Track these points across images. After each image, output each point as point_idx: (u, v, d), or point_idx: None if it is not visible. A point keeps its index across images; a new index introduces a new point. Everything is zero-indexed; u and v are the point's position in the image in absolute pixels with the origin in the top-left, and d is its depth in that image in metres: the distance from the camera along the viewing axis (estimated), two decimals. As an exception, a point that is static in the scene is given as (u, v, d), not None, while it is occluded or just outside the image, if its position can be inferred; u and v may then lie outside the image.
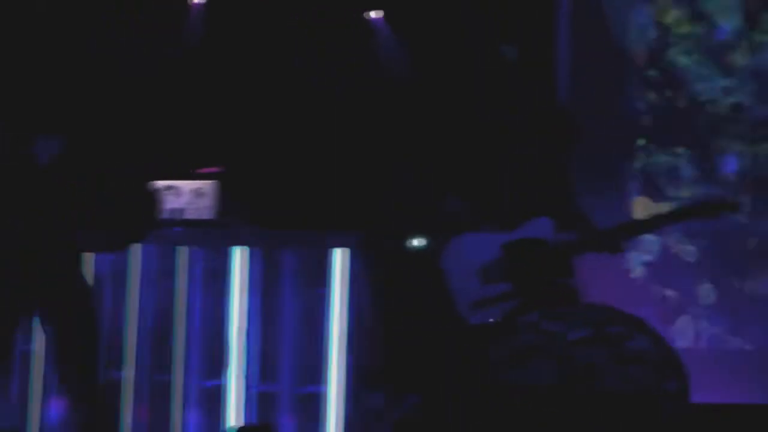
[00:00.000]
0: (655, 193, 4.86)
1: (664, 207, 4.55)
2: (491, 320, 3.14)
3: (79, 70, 3.45)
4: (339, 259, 4.12)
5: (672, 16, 4.95)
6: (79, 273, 3.28)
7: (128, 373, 4.03)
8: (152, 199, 3.45)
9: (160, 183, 3.89)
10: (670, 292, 4.80)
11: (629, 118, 4.93)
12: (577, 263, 3.22)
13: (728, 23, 4.91)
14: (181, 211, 4.28)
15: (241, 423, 4.02)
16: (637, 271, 4.81)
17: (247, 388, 4.11)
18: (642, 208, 4.82)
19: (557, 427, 2.28)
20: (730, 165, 4.88)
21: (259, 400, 4.12)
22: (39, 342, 4.11)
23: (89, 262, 3.45)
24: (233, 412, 4.07)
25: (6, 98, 3.32)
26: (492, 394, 2.42)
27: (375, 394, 4.13)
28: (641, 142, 4.92)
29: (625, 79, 4.91)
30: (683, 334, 4.78)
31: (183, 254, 4.12)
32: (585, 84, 4.86)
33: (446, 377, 3.20)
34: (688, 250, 4.78)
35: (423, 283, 4.20)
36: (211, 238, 4.21)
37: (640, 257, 4.78)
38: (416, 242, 4.35)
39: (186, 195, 4.31)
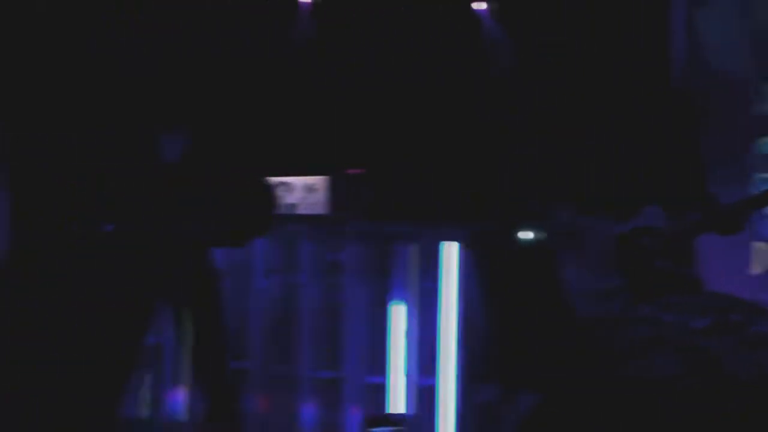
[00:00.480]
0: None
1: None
2: (608, 313, 3.09)
3: (199, 69, 3.58)
4: (450, 252, 4.15)
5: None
6: (206, 267, 3.42)
7: (250, 365, 4.17)
8: (269, 195, 3.56)
9: (274, 179, 4.01)
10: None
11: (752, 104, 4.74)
12: (697, 252, 3.13)
13: None
14: (294, 206, 4.40)
15: (356, 414, 4.10)
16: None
17: (359, 379, 4.19)
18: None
19: (683, 418, 2.24)
20: None
21: (370, 392, 4.19)
22: (169, 334, 4.32)
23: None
24: (348, 404, 4.16)
25: (132, 99, 3.48)
26: (614, 389, 2.39)
27: (486, 388, 4.14)
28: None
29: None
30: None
31: (299, 248, 4.25)
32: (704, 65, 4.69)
33: (565, 374, 3.17)
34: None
35: (534, 276, 4.18)
36: (325, 232, 4.32)
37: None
38: (525, 235, 4.32)
39: (298, 191, 4.43)
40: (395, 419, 3.95)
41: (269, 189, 3.58)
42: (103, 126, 3.54)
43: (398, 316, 4.17)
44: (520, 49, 4.74)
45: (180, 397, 4.34)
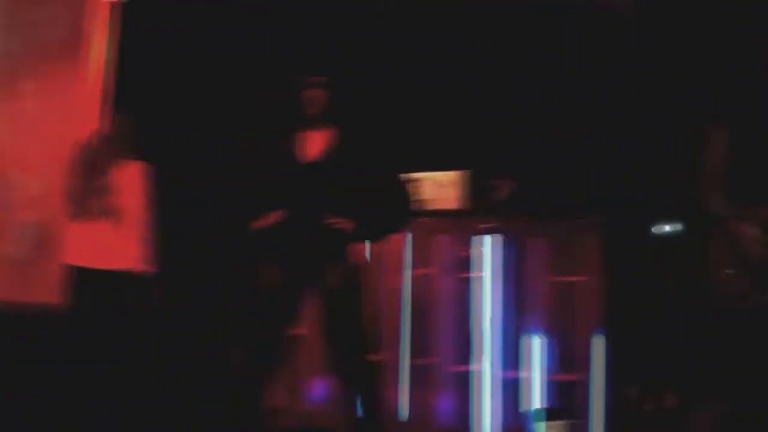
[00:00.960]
0: None
1: None
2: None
3: (341, 69, 3.69)
4: (589, 244, 4.09)
5: None
6: (347, 261, 3.49)
7: (388, 356, 4.23)
8: (407, 191, 3.61)
9: (411, 175, 4.06)
10: None
11: None
12: None
13: None
14: (429, 201, 4.44)
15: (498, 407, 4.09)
16: None
17: (495, 373, 4.18)
18: None
19: None
20: None
21: (512, 387, 4.18)
22: (308, 325, 4.44)
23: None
24: (484, 397, 4.16)
25: (283, 101, 3.60)
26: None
27: (632, 385, 4.05)
28: None
29: None
30: None
31: (433, 243, 4.29)
32: None
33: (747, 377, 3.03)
34: None
35: (677, 270, 4.06)
36: (458, 227, 4.34)
37: None
38: (669, 228, 4.20)
39: (433, 186, 4.47)
40: (567, 413, 3.92)
41: (406, 185, 3.62)
42: (256, 129, 3.71)
43: (533, 312, 4.15)
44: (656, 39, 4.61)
45: (321, 388, 4.45)
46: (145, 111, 4.18)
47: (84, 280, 3.61)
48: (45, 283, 4.45)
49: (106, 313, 3.60)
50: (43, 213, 4.73)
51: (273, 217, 3.42)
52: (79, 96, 4.76)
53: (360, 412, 3.50)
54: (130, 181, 3.70)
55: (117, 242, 3.63)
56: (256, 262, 3.50)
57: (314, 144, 3.50)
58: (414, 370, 4.29)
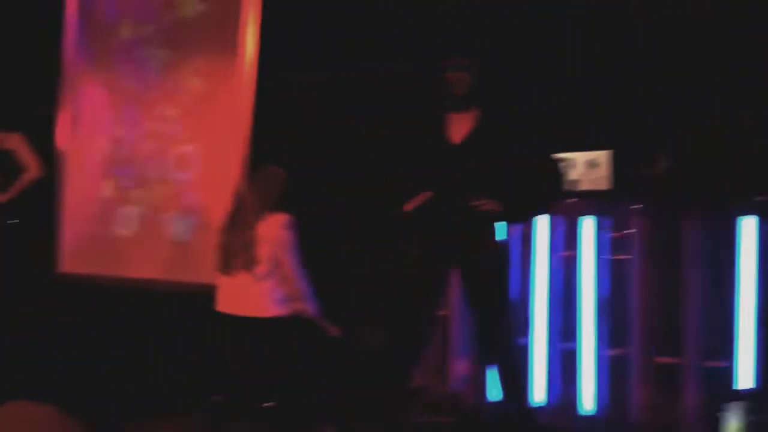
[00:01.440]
0: None
1: None
2: None
3: (485, 49, 3.68)
4: (746, 228, 3.88)
5: None
6: (493, 243, 3.49)
7: (535, 340, 4.20)
8: (557, 171, 3.56)
9: (558, 155, 3.98)
10: None
11: None
12: None
13: None
14: (577, 182, 4.35)
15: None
16: None
17: (650, 358, 4.05)
18: None
19: None
20: None
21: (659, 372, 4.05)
22: (452, 307, 4.48)
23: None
24: (637, 383, 4.05)
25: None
26: None
27: None
28: None
29: None
30: None
31: (581, 224, 4.20)
32: None
33: None
34: None
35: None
36: (608, 208, 4.22)
37: None
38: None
39: (581, 166, 4.37)
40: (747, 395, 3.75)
41: (555, 165, 3.57)
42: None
43: (692, 293, 3.99)
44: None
45: (466, 370, 4.48)
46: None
47: (235, 324, 3.77)
48: (204, 264, 4.74)
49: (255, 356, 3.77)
50: (204, 197, 5.01)
51: (420, 199, 3.47)
52: (237, 86, 4.98)
53: (502, 395, 3.50)
54: (275, 231, 3.78)
55: (265, 291, 3.76)
56: (403, 244, 3.56)
57: (459, 126, 3.51)
58: (564, 354, 4.23)
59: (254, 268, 3.72)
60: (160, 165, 5.19)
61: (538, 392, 4.16)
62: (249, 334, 3.72)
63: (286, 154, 4.83)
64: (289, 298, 3.76)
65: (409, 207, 3.51)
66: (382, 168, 3.80)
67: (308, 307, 3.80)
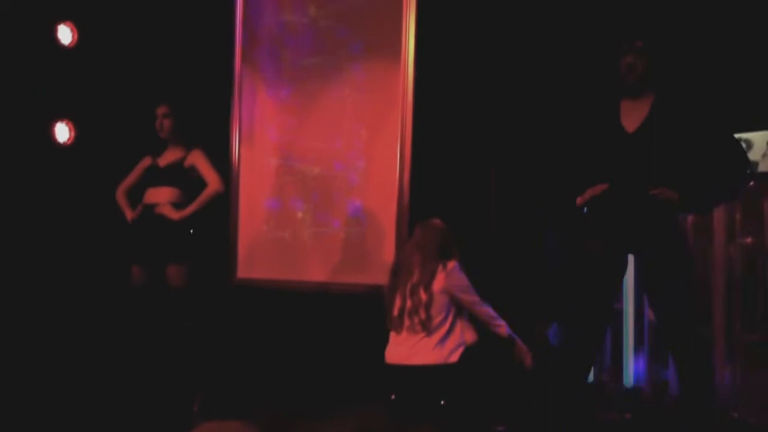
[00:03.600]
0: None
1: None
2: None
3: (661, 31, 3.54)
4: None
5: None
6: (674, 233, 3.36)
7: (716, 331, 4.02)
8: (740, 156, 3.37)
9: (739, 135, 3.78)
10: None
11: None
12: None
13: None
14: (756, 163, 4.11)
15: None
16: None
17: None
18: None
19: None
20: None
21: None
22: (630, 301, 4.36)
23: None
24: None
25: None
26: None
27: None
28: None
29: None
30: None
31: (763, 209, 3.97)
32: None
33: None
34: None
35: None
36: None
37: None
38: None
39: (760, 147, 4.13)
40: None
41: (739, 149, 3.39)
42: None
43: None
44: None
45: (641, 364, 4.35)
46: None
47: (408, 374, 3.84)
48: (375, 265, 4.86)
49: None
50: (368, 200, 5.14)
51: (597, 190, 3.39)
52: (398, 88, 5.06)
53: (686, 390, 3.34)
54: (444, 284, 3.83)
55: (432, 344, 3.80)
56: (580, 236, 3.50)
57: (636, 113, 3.40)
58: (743, 345, 4.01)
59: (431, 326, 3.79)
60: (326, 172, 5.35)
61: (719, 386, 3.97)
62: (427, 381, 3.78)
63: (449, 151, 4.86)
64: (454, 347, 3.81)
65: (581, 200, 3.44)
66: (553, 162, 3.74)
67: (502, 330, 3.86)
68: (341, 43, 5.34)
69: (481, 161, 4.77)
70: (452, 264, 3.85)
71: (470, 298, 3.84)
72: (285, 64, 5.55)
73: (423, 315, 3.79)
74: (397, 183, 4.98)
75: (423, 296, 3.80)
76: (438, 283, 3.82)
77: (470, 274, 3.91)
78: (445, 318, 3.81)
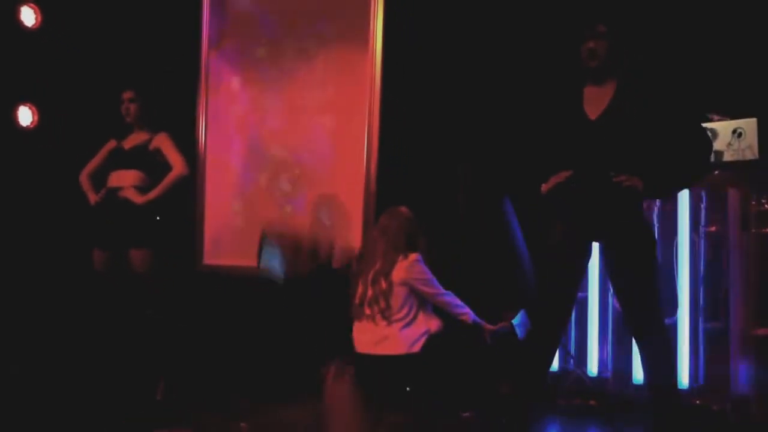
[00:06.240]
0: None
1: None
2: None
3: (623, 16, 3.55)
4: None
5: None
6: (639, 220, 3.37)
7: (681, 319, 4.05)
8: (704, 142, 3.38)
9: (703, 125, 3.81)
10: None
11: None
12: None
13: None
14: (721, 153, 4.15)
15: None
16: None
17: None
18: None
19: None
20: None
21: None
22: (595, 289, 4.38)
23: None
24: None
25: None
26: None
27: None
28: None
29: None
30: None
31: (726, 198, 4.02)
32: None
33: None
34: None
35: None
36: (755, 180, 4.01)
37: None
38: None
39: (725, 137, 4.17)
40: None
41: (702, 136, 3.40)
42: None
43: None
44: None
45: (606, 352, 4.38)
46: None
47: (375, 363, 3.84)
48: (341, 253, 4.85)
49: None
50: (335, 187, 5.13)
51: (561, 176, 3.38)
52: (365, 76, 5.06)
53: (650, 376, 3.36)
54: (407, 275, 3.82)
55: (402, 332, 3.79)
56: (545, 222, 3.49)
57: (598, 99, 3.39)
58: (705, 333, 4.05)
59: (391, 315, 3.78)
60: (294, 155, 5.33)
61: (684, 373, 4.02)
62: (390, 371, 3.77)
63: (415, 140, 4.87)
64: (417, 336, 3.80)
65: (546, 187, 3.44)
66: (517, 148, 3.74)
67: (465, 318, 3.84)
68: (309, 31, 5.32)
69: (449, 150, 4.77)
70: (413, 256, 3.85)
71: (431, 290, 3.83)
72: (252, 50, 5.52)
73: (383, 304, 3.78)
74: (364, 170, 4.98)
75: (383, 285, 3.80)
76: (397, 274, 3.82)
77: (437, 262, 3.90)
78: (407, 308, 3.80)
